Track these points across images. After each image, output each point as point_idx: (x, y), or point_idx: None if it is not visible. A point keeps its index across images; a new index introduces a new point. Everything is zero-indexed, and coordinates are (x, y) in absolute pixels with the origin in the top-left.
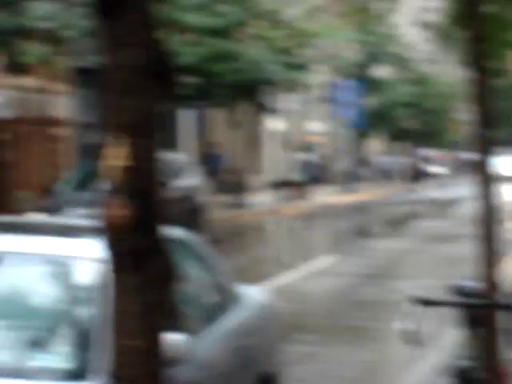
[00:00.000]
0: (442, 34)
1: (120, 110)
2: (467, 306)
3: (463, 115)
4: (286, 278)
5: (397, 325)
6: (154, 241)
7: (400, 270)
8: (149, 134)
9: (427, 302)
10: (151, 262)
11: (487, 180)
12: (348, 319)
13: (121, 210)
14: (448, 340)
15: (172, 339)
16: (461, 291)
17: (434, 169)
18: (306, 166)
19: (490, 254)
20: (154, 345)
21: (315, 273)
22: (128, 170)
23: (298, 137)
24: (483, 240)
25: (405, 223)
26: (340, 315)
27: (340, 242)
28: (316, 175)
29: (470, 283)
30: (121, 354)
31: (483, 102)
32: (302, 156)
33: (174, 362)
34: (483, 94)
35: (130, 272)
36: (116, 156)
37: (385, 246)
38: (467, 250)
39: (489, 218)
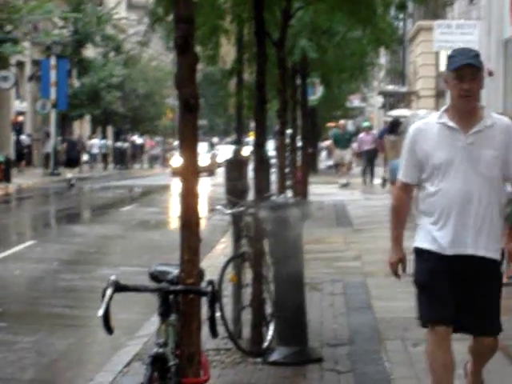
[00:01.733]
0: (151, 16)
1: None
2: (158, 292)
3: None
4: None
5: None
6: None
7: (103, 257)
8: None
9: (119, 288)
10: None
11: (188, 167)
12: (46, 306)
13: None
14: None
15: None
16: (157, 276)
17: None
18: (15, 146)
19: (189, 241)
20: None
21: (11, 258)
22: None
23: (7, 116)
24: (184, 226)
25: (110, 209)
26: (37, 302)
27: (40, 226)
28: (23, 156)
29: (167, 268)
30: None
31: (187, 87)
32: (11, 136)
33: None
34: (188, 78)
35: None
36: None
37: (87, 232)
38: (174, 236)
39: (189, 204)
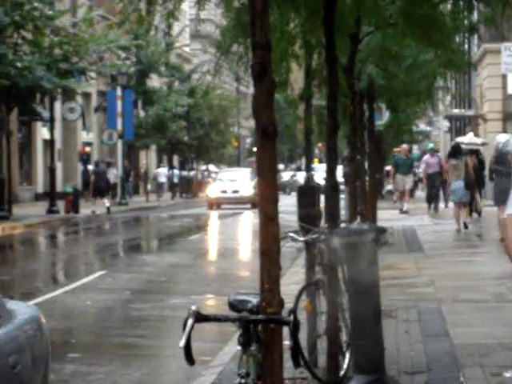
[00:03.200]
0: (220, 45)
1: None
2: (239, 321)
3: (244, 130)
4: (52, 294)
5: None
6: None
7: (173, 286)
8: None
9: (200, 318)
10: None
11: (267, 195)
12: (118, 336)
13: None
14: (230, 357)
15: None
16: (236, 306)
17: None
18: (82, 176)
19: (270, 269)
20: None
21: (82, 288)
22: None
23: (74, 147)
24: (264, 254)
25: (178, 237)
26: (109, 332)
27: (108, 256)
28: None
29: (247, 298)
30: None
31: (264, 113)
32: (80, 166)
33: None
34: (266, 105)
35: None
36: None
37: (157, 261)
38: (243, 265)
39: (269, 231)
